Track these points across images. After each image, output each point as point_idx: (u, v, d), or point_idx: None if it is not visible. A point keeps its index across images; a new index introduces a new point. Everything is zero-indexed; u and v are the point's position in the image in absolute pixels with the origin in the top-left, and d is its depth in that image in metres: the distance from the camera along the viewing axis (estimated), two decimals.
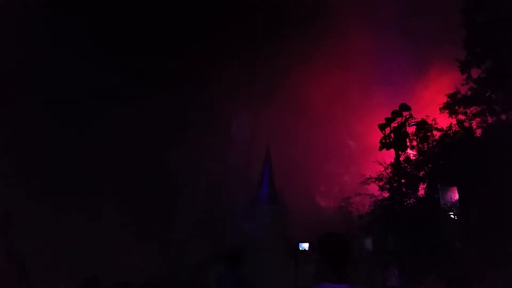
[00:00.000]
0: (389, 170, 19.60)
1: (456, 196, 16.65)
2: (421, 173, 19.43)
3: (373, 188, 20.15)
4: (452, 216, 16.74)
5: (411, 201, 19.13)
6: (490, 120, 19.22)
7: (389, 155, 19.46)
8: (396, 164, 18.67)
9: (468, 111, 19.62)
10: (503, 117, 18.99)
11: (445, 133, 19.16)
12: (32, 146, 37.63)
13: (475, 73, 20.08)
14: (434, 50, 33.08)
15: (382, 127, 19.05)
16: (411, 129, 19.43)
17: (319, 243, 3.40)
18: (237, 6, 45.32)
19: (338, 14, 42.46)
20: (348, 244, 3.39)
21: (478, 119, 19.36)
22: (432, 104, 21.08)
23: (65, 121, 40.29)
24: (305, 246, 21.32)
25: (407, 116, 18.86)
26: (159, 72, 43.36)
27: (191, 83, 44.63)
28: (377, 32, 42.60)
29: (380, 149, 19.18)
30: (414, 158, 19.70)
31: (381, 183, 19.79)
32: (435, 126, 19.56)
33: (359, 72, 45.00)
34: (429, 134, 19.60)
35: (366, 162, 21.40)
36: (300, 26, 44.75)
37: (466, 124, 19.14)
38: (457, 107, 19.98)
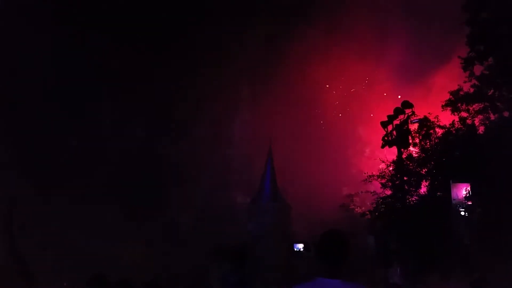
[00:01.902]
0: (391, 168, 19.57)
1: (461, 193, 16.62)
2: (424, 170, 19.38)
3: (376, 186, 20.13)
4: (462, 213, 16.70)
5: (413, 199, 19.10)
6: (492, 117, 19.16)
7: (392, 153, 19.43)
8: (398, 162, 18.66)
9: (471, 108, 19.56)
10: (506, 114, 18.93)
11: (448, 131, 19.11)
12: (27, 142, 37.61)
13: (477, 70, 20.01)
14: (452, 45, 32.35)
15: (384, 124, 19.03)
16: (413, 126, 19.43)
17: (320, 241, 3.47)
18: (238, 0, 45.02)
19: (347, 8, 41.97)
20: (347, 242, 3.44)
21: (480, 116, 19.30)
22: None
23: (61, 115, 40.17)
24: (300, 246, 21.33)
25: (409, 114, 18.86)
26: (162, 67, 43.16)
27: (193, 80, 44.53)
28: (390, 26, 42.02)
29: (383, 146, 19.17)
30: (416, 155, 19.65)
31: (383, 181, 19.75)
32: (438, 123, 19.52)
33: (364, 71, 44.74)
34: (431, 131, 19.55)
35: (369, 159, 21.36)
36: (306, 20, 44.28)
37: (469, 122, 19.08)
38: (459, 104, 19.91)
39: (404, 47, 40.53)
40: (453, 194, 16.76)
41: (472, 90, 19.87)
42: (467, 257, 15.86)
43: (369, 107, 43.64)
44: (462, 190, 16.83)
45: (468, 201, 16.71)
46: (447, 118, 19.87)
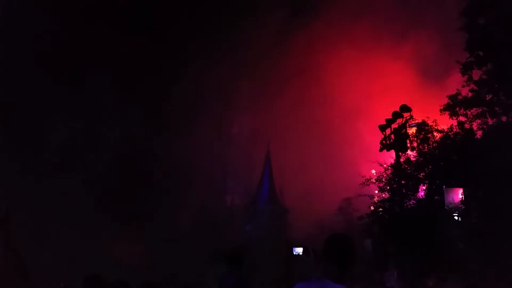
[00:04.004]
0: (389, 171, 19.58)
1: (457, 197, 16.66)
2: (421, 174, 19.41)
3: (373, 189, 20.14)
4: (456, 217, 16.74)
5: (411, 203, 19.12)
6: (490, 122, 19.22)
7: (390, 156, 19.47)
8: (396, 165, 18.71)
9: (469, 112, 19.63)
10: (504, 119, 19.01)
11: (446, 135, 19.16)
12: (24, 139, 37.53)
13: (476, 74, 20.08)
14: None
15: (382, 128, 19.14)
16: (411, 130, 19.49)
17: (327, 242, 3.46)
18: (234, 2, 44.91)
19: (345, 11, 41.68)
20: (354, 245, 3.47)
21: (478, 121, 19.36)
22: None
23: (57, 114, 40.07)
24: (299, 250, 21.28)
25: (407, 117, 18.94)
26: (160, 65, 43.07)
27: (193, 82, 44.48)
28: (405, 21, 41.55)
29: (381, 150, 19.25)
30: (414, 159, 19.69)
31: (381, 184, 19.76)
32: (436, 127, 19.57)
33: (362, 74, 44.55)
34: (429, 135, 19.60)
35: (367, 163, 21.37)
36: (310, 17, 43.98)
37: (467, 126, 19.14)
38: (457, 109, 19.98)
39: (417, 46, 40.03)
40: (448, 199, 16.80)
41: (470, 94, 19.97)
42: (461, 261, 15.89)
43: (372, 110, 43.40)
44: (458, 195, 16.87)
45: (462, 205, 16.76)
46: (445, 122, 19.94)
